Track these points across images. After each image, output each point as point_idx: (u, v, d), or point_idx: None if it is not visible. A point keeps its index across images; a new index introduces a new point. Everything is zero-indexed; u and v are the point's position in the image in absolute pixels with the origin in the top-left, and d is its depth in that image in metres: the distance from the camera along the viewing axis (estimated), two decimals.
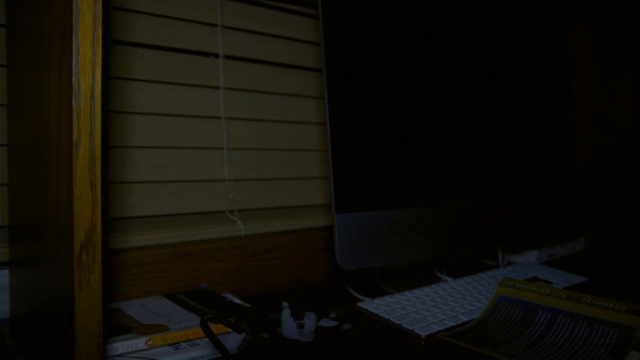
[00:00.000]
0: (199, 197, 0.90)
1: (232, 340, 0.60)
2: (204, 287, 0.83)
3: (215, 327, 0.63)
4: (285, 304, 0.57)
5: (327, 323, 0.58)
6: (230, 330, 0.63)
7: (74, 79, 0.43)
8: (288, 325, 0.54)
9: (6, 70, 0.71)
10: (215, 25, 0.92)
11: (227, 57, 0.93)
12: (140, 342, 0.58)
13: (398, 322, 0.68)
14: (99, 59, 0.44)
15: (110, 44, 0.81)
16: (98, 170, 0.44)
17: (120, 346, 0.57)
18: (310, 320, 0.55)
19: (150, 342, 0.59)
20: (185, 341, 0.61)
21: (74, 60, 0.43)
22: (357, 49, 0.76)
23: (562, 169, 1.14)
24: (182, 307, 0.71)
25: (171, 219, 0.89)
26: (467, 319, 0.70)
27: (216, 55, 0.92)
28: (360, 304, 0.75)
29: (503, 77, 1.01)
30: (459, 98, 0.91)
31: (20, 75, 0.62)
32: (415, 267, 0.92)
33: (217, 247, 0.86)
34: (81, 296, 0.43)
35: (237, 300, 0.77)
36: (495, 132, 0.97)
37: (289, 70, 1.02)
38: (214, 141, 0.92)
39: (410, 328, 0.66)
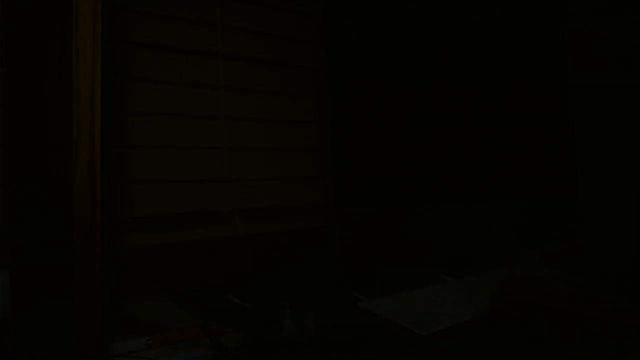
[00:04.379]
0: (199, 197, 0.90)
1: (232, 341, 0.59)
2: (204, 288, 0.83)
3: (215, 328, 0.63)
4: (285, 304, 0.57)
5: (327, 323, 0.58)
6: (230, 330, 0.63)
7: (74, 79, 0.43)
8: (288, 325, 0.54)
9: (6, 70, 0.71)
10: (215, 25, 0.91)
11: (227, 57, 0.93)
12: (140, 342, 0.58)
13: (398, 322, 0.68)
14: (99, 59, 0.44)
15: (110, 44, 0.81)
16: (98, 170, 0.44)
17: (120, 346, 0.57)
18: (310, 320, 0.55)
19: (150, 342, 0.59)
20: (185, 341, 0.61)
21: (74, 60, 0.42)
22: (357, 49, 0.76)
23: (563, 169, 1.14)
24: (183, 307, 0.71)
25: (171, 219, 0.89)
26: (467, 319, 0.70)
27: (216, 55, 0.92)
28: (360, 304, 0.75)
29: (503, 76, 1.01)
30: (459, 97, 0.91)
31: (20, 75, 0.62)
32: (415, 267, 0.92)
33: (217, 247, 0.86)
34: (81, 296, 0.43)
35: (237, 301, 0.77)
36: (495, 132, 0.97)
37: (288, 70, 1.02)
38: (214, 141, 0.92)
39: (411, 328, 0.66)
